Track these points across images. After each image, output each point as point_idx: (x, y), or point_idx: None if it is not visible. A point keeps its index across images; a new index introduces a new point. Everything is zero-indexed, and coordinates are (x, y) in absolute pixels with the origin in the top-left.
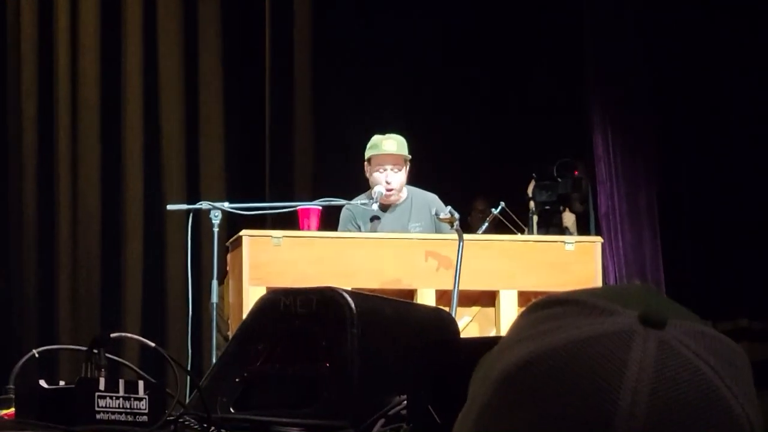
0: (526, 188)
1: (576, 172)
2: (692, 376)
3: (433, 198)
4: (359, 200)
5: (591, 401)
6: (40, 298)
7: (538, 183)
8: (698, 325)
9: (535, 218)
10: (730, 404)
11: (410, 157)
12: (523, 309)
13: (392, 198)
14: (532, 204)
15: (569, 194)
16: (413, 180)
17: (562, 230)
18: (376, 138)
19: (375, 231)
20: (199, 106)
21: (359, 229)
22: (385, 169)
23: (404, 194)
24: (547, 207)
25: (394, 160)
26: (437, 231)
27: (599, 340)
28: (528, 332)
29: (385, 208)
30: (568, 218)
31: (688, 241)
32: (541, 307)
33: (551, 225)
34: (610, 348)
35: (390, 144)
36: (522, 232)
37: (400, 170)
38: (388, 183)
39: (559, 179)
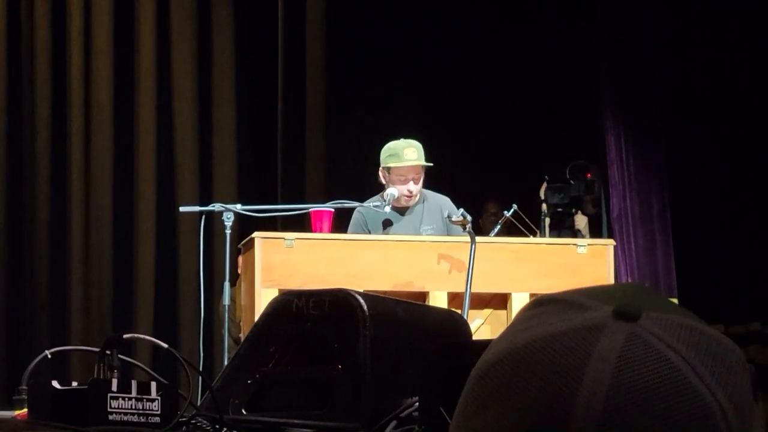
0: (539, 191)
1: (589, 175)
2: (658, 364)
3: (445, 201)
4: (371, 202)
5: (551, 394)
6: (53, 299)
7: (551, 185)
8: (678, 317)
9: (547, 220)
10: (699, 391)
11: (430, 164)
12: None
13: (409, 202)
14: (544, 206)
15: (582, 196)
16: (426, 183)
17: (575, 232)
18: (394, 146)
19: (387, 232)
20: (211, 108)
21: (369, 233)
22: (407, 180)
23: (417, 197)
24: (560, 209)
25: (415, 170)
26: (449, 234)
27: (567, 334)
28: (507, 331)
29: (397, 210)
30: (581, 220)
31: (700, 244)
32: (528, 308)
33: (563, 227)
34: (576, 342)
35: (411, 153)
36: (534, 234)
37: (419, 179)
38: (409, 192)
39: (572, 181)
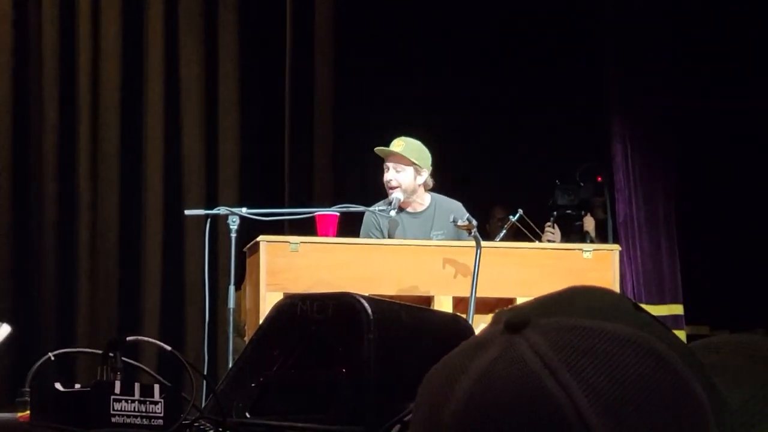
0: (545, 197)
1: (599, 178)
2: (516, 373)
3: (457, 206)
4: (377, 206)
5: (426, 412)
6: (59, 301)
7: (561, 186)
8: (575, 320)
9: (552, 222)
10: (550, 393)
11: (418, 163)
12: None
13: (403, 199)
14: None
15: (591, 199)
16: (434, 188)
17: (583, 235)
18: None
19: (393, 236)
20: (218, 112)
21: (383, 234)
22: (388, 168)
23: (427, 201)
24: (569, 211)
25: (394, 159)
26: (460, 239)
27: (460, 351)
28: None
29: (409, 214)
30: (589, 223)
31: (705, 250)
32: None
33: (572, 230)
34: (461, 358)
35: (396, 144)
36: (539, 239)
37: (401, 171)
38: (387, 181)
39: (582, 184)
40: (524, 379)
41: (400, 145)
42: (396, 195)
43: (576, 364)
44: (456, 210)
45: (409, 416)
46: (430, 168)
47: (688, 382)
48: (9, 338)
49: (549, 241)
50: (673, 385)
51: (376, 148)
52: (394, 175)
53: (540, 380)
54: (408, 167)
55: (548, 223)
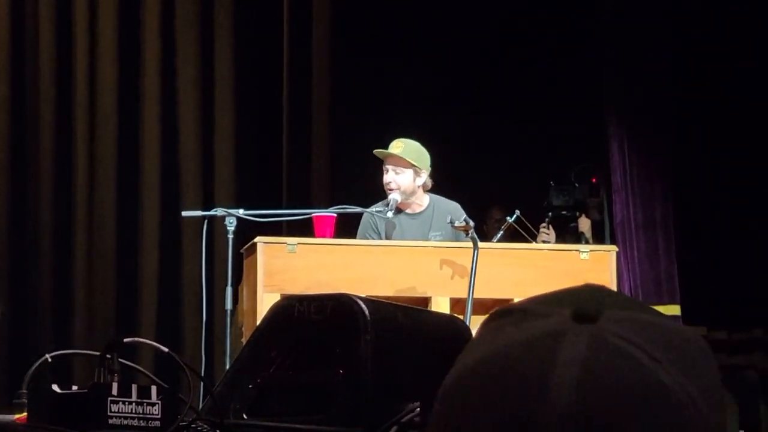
0: (541, 198)
1: (594, 180)
2: (624, 364)
3: (455, 207)
4: (375, 208)
5: (516, 405)
6: (56, 303)
7: (556, 186)
8: (636, 313)
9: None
10: (668, 387)
11: (417, 165)
12: (483, 322)
13: (401, 201)
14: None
15: (586, 200)
16: (431, 189)
17: (578, 236)
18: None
19: (390, 237)
20: (215, 113)
21: (380, 235)
22: (387, 170)
23: (425, 202)
24: (564, 212)
25: (393, 161)
26: (458, 240)
27: (528, 343)
28: (470, 346)
29: (407, 216)
30: (584, 224)
31: (703, 251)
32: (488, 322)
33: (567, 230)
34: (538, 350)
35: (395, 145)
36: (535, 239)
37: (400, 173)
38: (386, 183)
39: (577, 185)
40: (635, 370)
41: (399, 146)
42: (393, 196)
43: (675, 359)
44: (454, 211)
45: (407, 417)
46: (429, 169)
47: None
48: (2, 319)
49: (544, 242)
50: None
51: (375, 150)
52: (393, 176)
53: (649, 370)
54: (407, 169)
55: (543, 224)
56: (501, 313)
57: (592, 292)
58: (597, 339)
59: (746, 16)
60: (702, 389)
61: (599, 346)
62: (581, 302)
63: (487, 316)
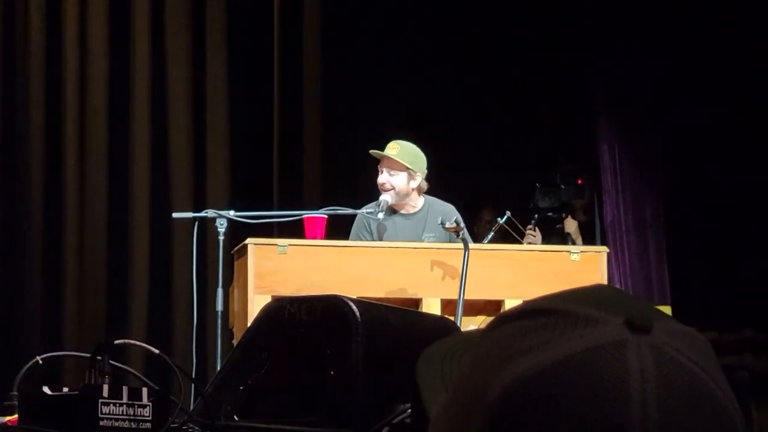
0: (532, 199)
1: (580, 181)
2: (692, 382)
3: (450, 209)
4: (366, 209)
5: (602, 416)
6: (47, 305)
7: (542, 188)
8: (674, 323)
9: (533, 225)
10: (725, 406)
11: (412, 168)
12: (499, 317)
13: (394, 201)
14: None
15: (571, 201)
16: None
17: (564, 237)
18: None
19: (382, 239)
20: (206, 114)
21: (372, 236)
22: (382, 171)
23: (420, 204)
24: (549, 213)
25: (388, 163)
26: (452, 242)
27: (596, 352)
28: (518, 346)
29: (401, 216)
30: (570, 225)
31: (693, 251)
32: (520, 317)
33: (553, 232)
34: (608, 360)
35: (391, 147)
36: (523, 238)
37: (395, 175)
38: (380, 183)
39: (563, 186)
40: (700, 388)
41: (395, 149)
42: (384, 197)
43: (719, 373)
44: (448, 213)
45: (398, 418)
46: (425, 172)
47: None
48: None
49: (530, 243)
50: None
51: (371, 151)
52: (387, 178)
53: (710, 389)
54: (402, 171)
55: (529, 226)
56: (528, 313)
57: (617, 296)
58: (660, 353)
59: (736, 14)
60: (730, 392)
61: (664, 360)
62: (628, 310)
63: (504, 313)
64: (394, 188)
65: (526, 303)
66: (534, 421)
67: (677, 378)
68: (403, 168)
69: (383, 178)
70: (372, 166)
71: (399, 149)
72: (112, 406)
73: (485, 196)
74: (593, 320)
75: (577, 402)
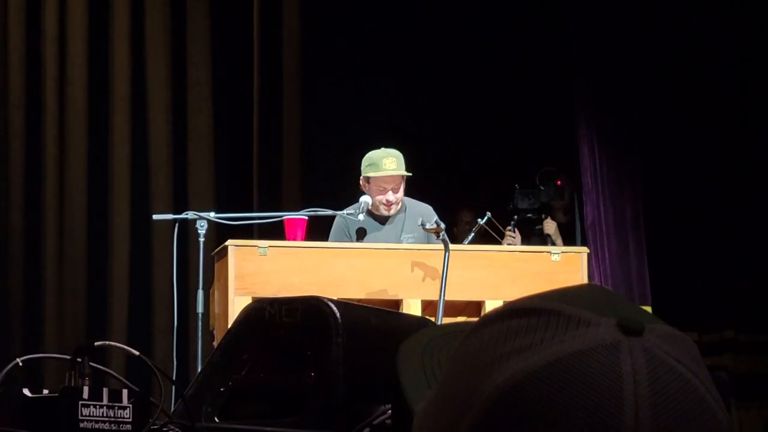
0: (511, 200)
1: (559, 182)
2: (682, 385)
3: (427, 209)
4: (346, 211)
5: (595, 418)
6: (26, 307)
7: (521, 190)
8: (663, 326)
9: (513, 226)
10: (714, 409)
11: (410, 174)
12: (488, 315)
13: (390, 211)
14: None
15: (551, 202)
16: (405, 191)
17: (544, 238)
18: (374, 155)
19: (363, 240)
20: (187, 116)
21: (351, 238)
22: (386, 189)
23: (397, 206)
24: (529, 215)
25: (394, 180)
26: (430, 242)
27: (589, 354)
28: (509, 345)
29: (378, 219)
30: (550, 226)
31: (673, 252)
32: (510, 316)
33: (532, 233)
34: (601, 362)
35: (390, 163)
36: (502, 238)
37: (399, 188)
38: (388, 202)
39: (542, 187)
40: (690, 392)
41: (393, 162)
42: (364, 199)
43: (707, 375)
44: (426, 213)
45: (378, 419)
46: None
47: None
48: None
49: (509, 244)
50: None
51: (378, 174)
52: (393, 196)
53: (699, 392)
54: (402, 182)
55: (508, 227)
56: (517, 312)
57: (606, 296)
58: (652, 356)
59: (715, 18)
60: (717, 395)
61: (656, 364)
62: (619, 312)
63: (492, 311)
64: (399, 202)
65: (515, 301)
66: (527, 422)
67: (669, 381)
68: (403, 178)
69: (390, 197)
70: (351, 167)
71: (395, 161)
72: (92, 408)
73: (464, 197)
74: (585, 321)
75: (571, 404)
